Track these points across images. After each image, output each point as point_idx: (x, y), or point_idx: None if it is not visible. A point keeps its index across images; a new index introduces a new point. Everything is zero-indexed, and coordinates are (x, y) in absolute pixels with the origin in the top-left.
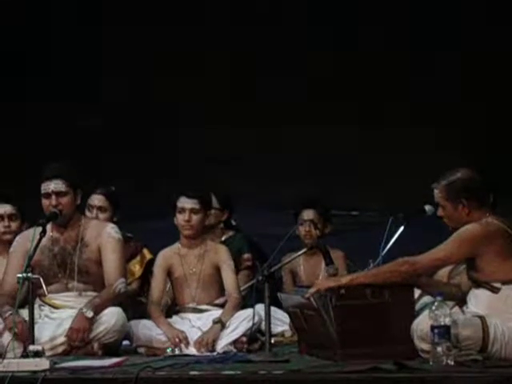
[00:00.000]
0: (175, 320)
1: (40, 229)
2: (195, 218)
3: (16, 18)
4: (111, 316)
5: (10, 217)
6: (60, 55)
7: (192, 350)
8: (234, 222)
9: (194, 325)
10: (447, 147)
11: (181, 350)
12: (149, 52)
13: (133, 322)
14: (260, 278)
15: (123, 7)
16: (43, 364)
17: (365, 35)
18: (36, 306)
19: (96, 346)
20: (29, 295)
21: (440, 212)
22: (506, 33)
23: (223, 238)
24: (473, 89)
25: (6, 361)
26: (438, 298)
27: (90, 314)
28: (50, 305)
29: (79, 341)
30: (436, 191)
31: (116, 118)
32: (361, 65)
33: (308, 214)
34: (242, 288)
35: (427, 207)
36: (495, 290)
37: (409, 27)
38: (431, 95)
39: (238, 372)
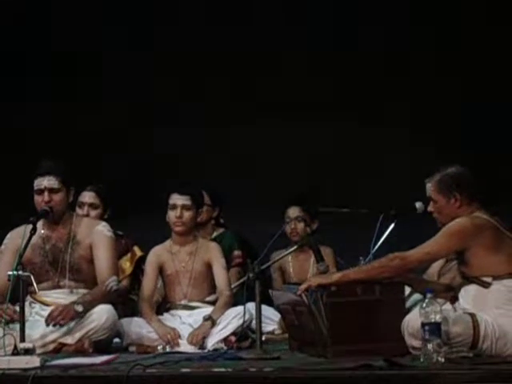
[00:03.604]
0: (166, 317)
1: (31, 226)
2: (186, 214)
3: (16, 17)
4: (102, 313)
5: None
6: (60, 55)
7: (183, 348)
8: (222, 220)
9: (184, 321)
10: (445, 146)
11: (172, 347)
12: (149, 52)
13: (124, 320)
14: (251, 275)
15: (123, 7)
16: (34, 361)
17: (365, 35)
18: (27, 303)
19: (87, 343)
20: (20, 293)
21: (430, 207)
22: (506, 33)
23: (214, 235)
24: (473, 89)
25: None
26: (429, 295)
27: (79, 308)
28: (40, 302)
29: (55, 320)
30: (429, 185)
31: (116, 118)
32: (361, 65)
33: (293, 212)
34: (232, 285)
35: (418, 204)
36: (486, 285)
37: (409, 27)
38: (430, 95)
39: (229, 369)
